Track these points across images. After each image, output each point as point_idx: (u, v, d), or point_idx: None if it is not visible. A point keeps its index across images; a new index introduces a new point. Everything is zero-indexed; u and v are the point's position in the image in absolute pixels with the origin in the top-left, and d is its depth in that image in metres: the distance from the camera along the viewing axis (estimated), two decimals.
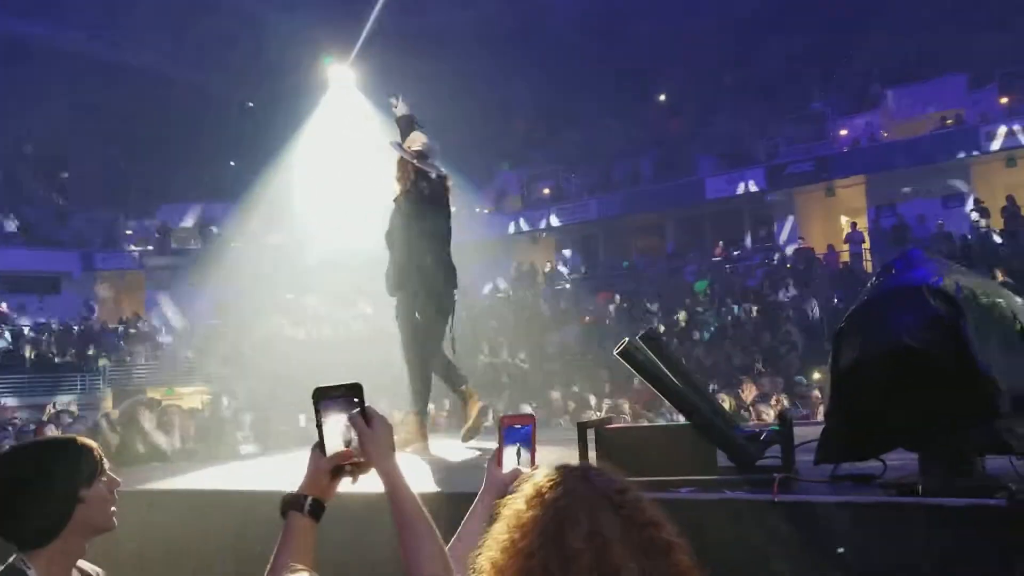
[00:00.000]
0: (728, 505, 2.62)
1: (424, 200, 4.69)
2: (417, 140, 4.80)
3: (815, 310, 16.44)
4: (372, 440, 1.63)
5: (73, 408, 17.11)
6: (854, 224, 20.80)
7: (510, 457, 1.96)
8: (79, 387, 22.96)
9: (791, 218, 22.78)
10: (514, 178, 27.34)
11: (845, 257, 19.77)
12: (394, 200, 4.79)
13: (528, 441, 1.99)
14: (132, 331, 25.70)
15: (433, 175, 4.74)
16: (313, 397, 1.68)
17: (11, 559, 1.98)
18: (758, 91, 24.30)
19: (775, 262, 20.28)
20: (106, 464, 2.08)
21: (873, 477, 2.61)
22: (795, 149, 22.13)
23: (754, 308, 17.11)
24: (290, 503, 1.66)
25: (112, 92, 27.20)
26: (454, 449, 4.91)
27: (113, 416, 10.92)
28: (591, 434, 3.07)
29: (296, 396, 16.72)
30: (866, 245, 19.98)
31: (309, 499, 1.65)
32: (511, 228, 25.83)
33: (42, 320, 26.31)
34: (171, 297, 27.86)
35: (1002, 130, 19.28)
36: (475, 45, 25.06)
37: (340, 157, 22.35)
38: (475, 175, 26.70)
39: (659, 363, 2.90)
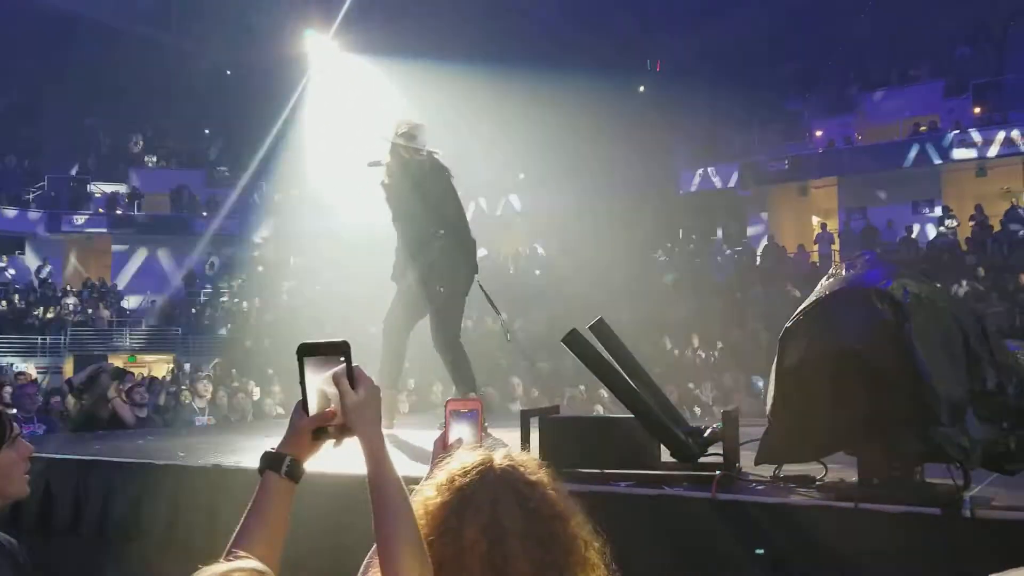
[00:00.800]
0: (666, 501, 2.59)
1: (422, 178, 4.55)
2: (402, 124, 4.66)
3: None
4: (355, 402, 1.46)
5: (31, 370, 16.87)
6: (824, 225, 20.96)
7: (456, 441, 1.93)
8: (40, 350, 22.66)
9: (764, 216, 22.89)
10: (487, 163, 27.16)
11: (815, 257, 19.91)
12: (385, 185, 4.65)
13: (474, 426, 1.96)
14: (96, 295, 25.38)
15: (424, 152, 4.59)
16: (297, 353, 1.56)
17: None
18: (736, 87, 24.33)
19: (745, 259, 20.37)
20: (16, 430, 2.01)
21: (813, 479, 2.59)
22: (771, 147, 22.21)
23: (720, 304, 17.18)
24: (267, 462, 1.52)
25: (87, 51, 26.72)
26: (409, 434, 4.85)
27: (76, 382, 10.78)
28: (534, 422, 3.02)
29: (254, 366, 16.66)
30: (835, 247, 20.13)
31: (288, 458, 1.50)
32: (485, 211, 25.70)
33: (4, 280, 25.90)
34: (138, 263, 27.54)
35: (976, 138, 19.46)
36: (454, 22, 24.84)
37: (324, 127, 22.14)
38: (450, 159, 26.56)
39: (605, 353, 2.86)
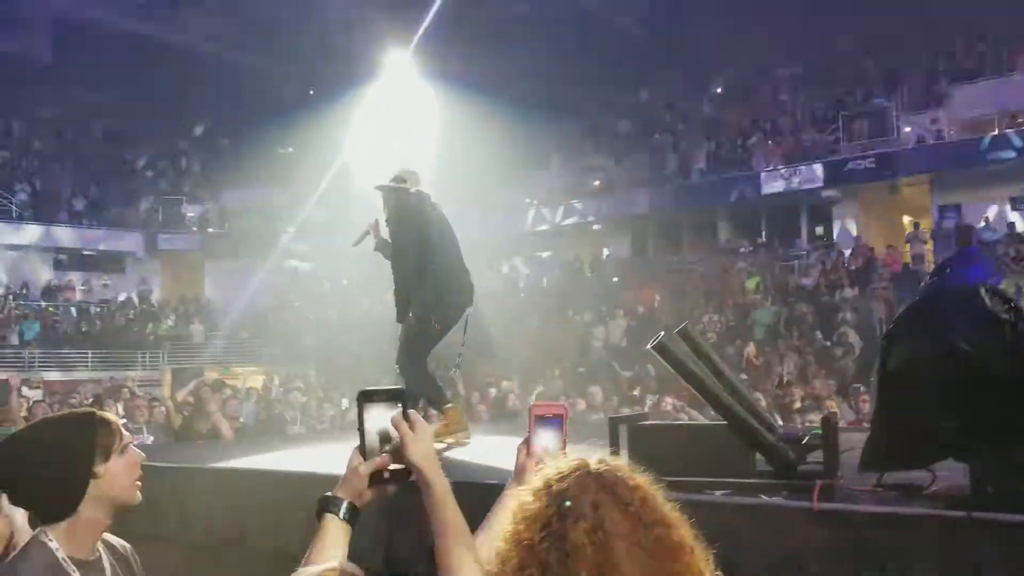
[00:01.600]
0: (764, 511, 2.51)
1: (409, 216, 4.75)
2: (398, 171, 4.91)
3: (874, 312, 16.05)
4: (414, 442, 1.64)
5: (132, 384, 17.54)
6: (916, 224, 20.23)
7: (538, 447, 1.93)
8: (140, 364, 23.59)
9: (851, 216, 22.22)
10: (564, 170, 27.18)
11: (907, 258, 19.24)
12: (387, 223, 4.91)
13: (558, 432, 1.94)
14: (191, 310, 26.31)
15: (412, 190, 4.79)
16: (357, 400, 1.72)
17: (36, 531, 2.01)
18: (819, 84, 23.75)
19: (832, 261, 19.81)
20: (127, 437, 2.08)
21: (921, 488, 2.48)
22: (857, 145, 21.56)
23: (808, 308, 16.73)
24: (325, 506, 1.70)
25: (175, 76, 27.74)
26: (486, 440, 4.87)
27: (178, 396, 11.19)
28: (624, 430, 2.98)
29: (339, 378, 16.97)
30: (929, 246, 19.42)
31: (344, 504, 1.70)
32: (559, 220, 25.68)
33: (107, 297, 27.08)
34: (229, 279, 28.41)
35: None
36: (531, 36, 24.95)
37: (394, 143, 22.53)
38: (525, 167, 26.70)
39: (694, 360, 2.80)
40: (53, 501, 1.98)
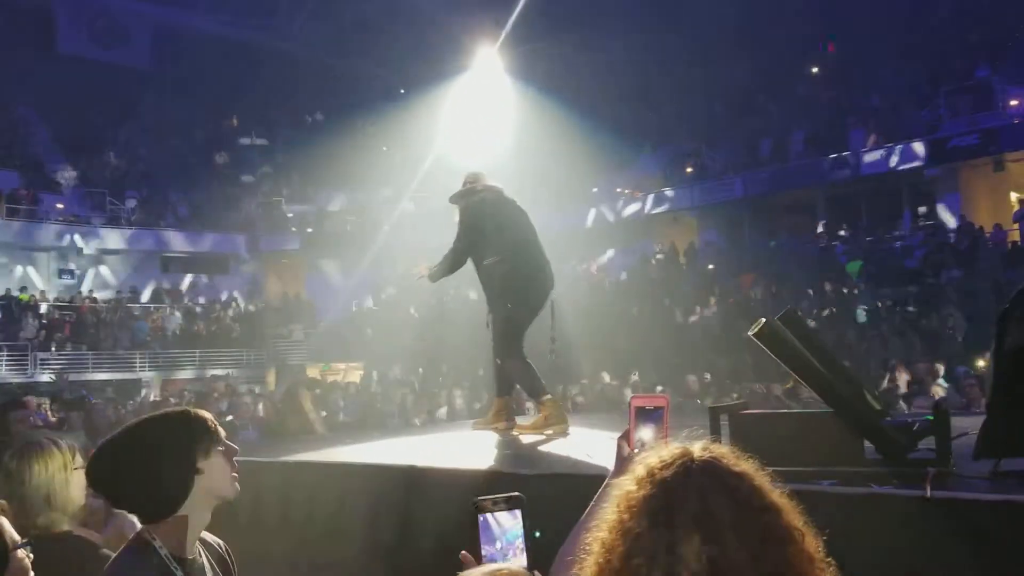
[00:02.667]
0: (875, 500, 2.44)
1: (479, 214, 4.93)
2: (466, 176, 5.17)
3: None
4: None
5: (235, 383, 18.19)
6: (1022, 201, 19.23)
7: (639, 439, 1.92)
8: (245, 362, 24.44)
9: (955, 195, 21.27)
10: (656, 157, 26.86)
11: (1014, 236, 18.32)
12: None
13: (659, 423, 1.94)
14: (293, 309, 27.12)
15: (479, 188, 5.01)
16: (473, 509, 1.65)
17: (139, 530, 2.04)
18: (919, 58, 22.77)
19: (936, 241, 19.03)
20: (222, 433, 2.10)
21: None
22: (959, 121, 20.57)
23: (913, 290, 16.12)
24: None
25: (271, 79, 28.60)
26: (584, 432, 4.87)
27: (275, 396, 11.59)
28: (724, 419, 2.95)
29: (439, 372, 17.20)
30: None
31: None
32: (652, 208, 25.40)
33: (212, 298, 28.18)
34: (328, 278, 29.17)
35: None
36: (620, 23, 24.72)
37: (482, 140, 22.67)
38: (618, 157, 26.48)
39: (799, 345, 2.74)
40: (158, 501, 1.99)
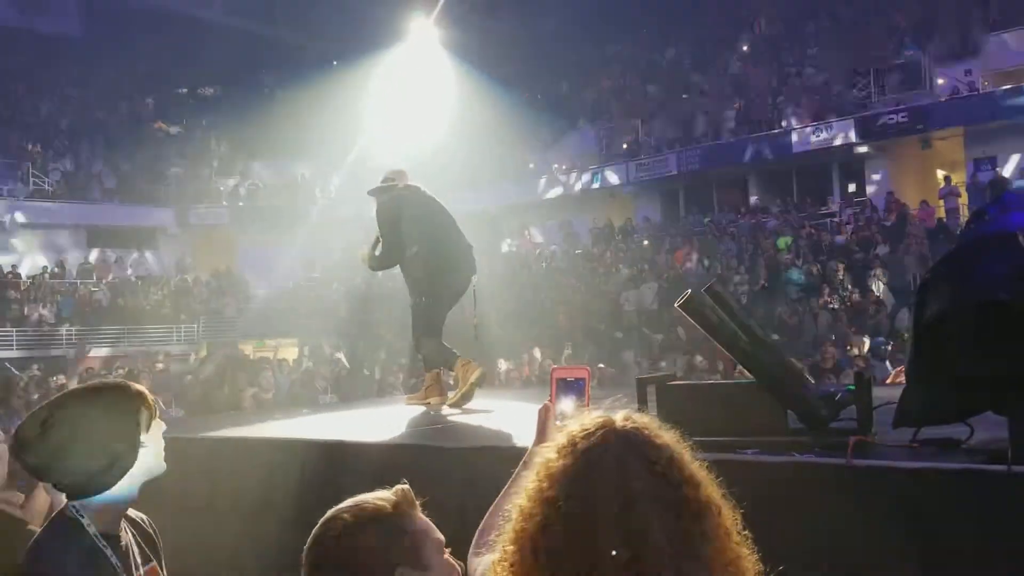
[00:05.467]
0: (797, 468, 2.46)
1: (396, 209, 5.17)
2: (385, 174, 5.42)
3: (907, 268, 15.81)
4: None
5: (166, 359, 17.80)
6: (949, 178, 19.81)
7: (561, 410, 1.89)
8: (175, 339, 23.88)
9: (883, 172, 21.80)
10: (591, 134, 26.91)
11: (941, 213, 18.87)
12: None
13: (581, 395, 1.91)
14: (224, 284, 26.55)
15: (395, 185, 5.27)
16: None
17: (65, 506, 1.94)
18: (848, 37, 23.19)
19: (865, 218, 19.49)
20: (157, 409, 2.05)
21: (958, 442, 2.42)
22: (888, 99, 21.06)
23: (840, 266, 16.50)
24: None
25: (201, 50, 27.80)
26: (514, 406, 4.88)
27: (203, 371, 11.35)
28: (652, 390, 2.94)
29: (370, 349, 17.06)
30: (963, 200, 19.02)
31: None
32: (588, 184, 25.47)
33: (141, 273, 27.41)
34: (260, 252, 28.61)
35: None
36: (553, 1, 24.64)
37: (417, 114, 22.43)
38: (554, 132, 26.48)
39: (724, 317, 2.74)
40: (96, 476, 1.90)
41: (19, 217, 25.81)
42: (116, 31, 28.29)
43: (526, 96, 21.67)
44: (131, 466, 1.93)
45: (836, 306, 15.18)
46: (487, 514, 1.89)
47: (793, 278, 17.16)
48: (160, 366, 14.41)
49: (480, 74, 22.17)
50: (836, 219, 20.72)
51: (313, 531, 1.45)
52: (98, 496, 1.90)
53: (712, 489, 1.30)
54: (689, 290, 2.76)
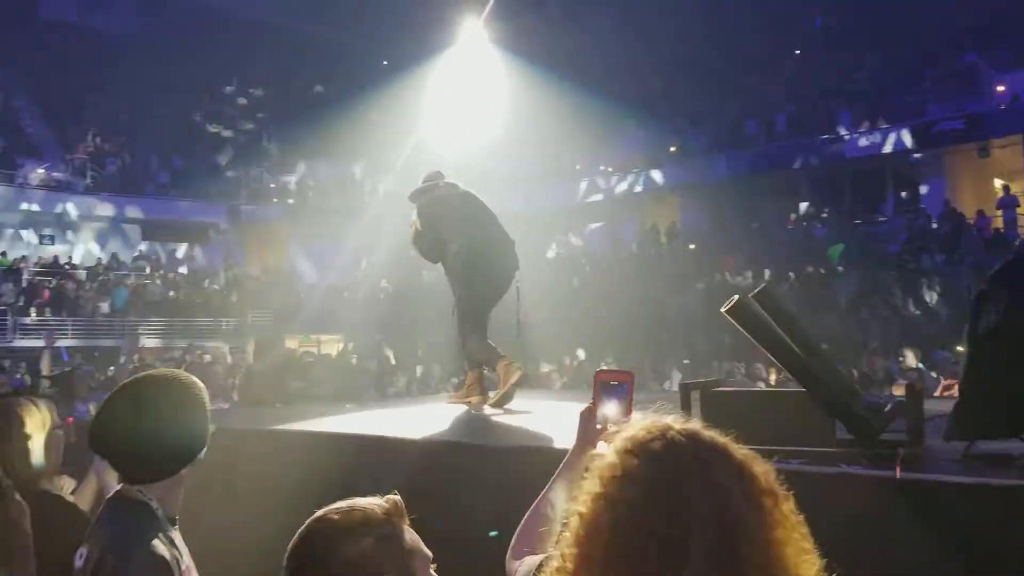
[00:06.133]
0: (844, 480, 2.41)
1: (435, 210, 5.21)
2: (423, 178, 5.45)
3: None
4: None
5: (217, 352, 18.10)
6: (1007, 188, 19.31)
7: (603, 414, 1.89)
8: (224, 331, 24.29)
9: (939, 180, 21.33)
10: (640, 135, 26.75)
11: (998, 223, 18.41)
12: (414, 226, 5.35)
13: (624, 398, 1.90)
14: (273, 280, 26.95)
15: (434, 185, 5.32)
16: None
17: (122, 489, 1.98)
18: (906, 42, 22.74)
19: (919, 227, 19.10)
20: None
21: (1012, 458, 2.35)
22: (945, 106, 20.61)
23: (892, 275, 16.20)
24: None
25: (254, 49, 28.23)
26: (556, 406, 4.87)
27: (253, 364, 11.49)
28: (696, 396, 2.91)
29: (414, 346, 17.14)
30: (1021, 210, 18.55)
31: None
32: (634, 186, 25.32)
33: (192, 267, 27.94)
34: (310, 249, 28.97)
35: None
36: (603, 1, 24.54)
37: (467, 114, 22.50)
38: (601, 133, 26.37)
39: (772, 323, 2.70)
40: (169, 459, 1.97)
41: (76, 210, 26.48)
42: (172, 30, 28.84)
43: (575, 98, 21.58)
44: (200, 452, 2.01)
45: (887, 316, 14.90)
46: (526, 516, 1.89)
47: (843, 287, 16.88)
48: (208, 358, 14.64)
49: (529, 75, 22.16)
50: (889, 227, 20.33)
51: (299, 531, 1.42)
52: (164, 479, 1.96)
53: (790, 500, 1.27)
54: (736, 295, 2.72)
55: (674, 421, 1.32)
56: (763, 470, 1.27)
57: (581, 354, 14.27)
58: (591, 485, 1.30)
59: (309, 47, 29.32)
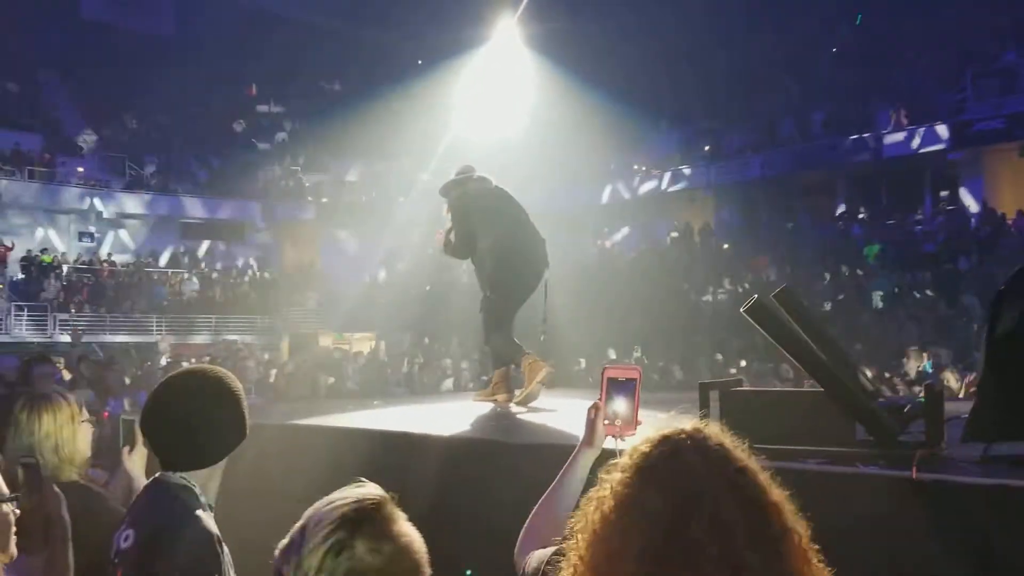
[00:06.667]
0: (860, 481, 2.41)
1: (467, 205, 5.13)
2: (457, 170, 5.40)
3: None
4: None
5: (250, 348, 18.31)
6: None
7: (611, 410, 1.91)
8: (259, 328, 24.59)
9: (978, 179, 20.97)
10: (673, 135, 26.61)
11: None
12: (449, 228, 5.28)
13: (632, 395, 1.92)
14: (307, 278, 27.23)
15: (466, 179, 5.25)
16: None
17: (162, 476, 2.05)
18: (945, 40, 22.38)
19: (956, 227, 18.80)
20: None
21: None
22: (985, 104, 20.24)
23: (928, 276, 15.97)
24: None
25: (290, 49, 28.49)
26: (576, 404, 4.88)
27: (286, 362, 11.67)
28: (715, 396, 2.92)
29: (445, 344, 17.21)
30: None
31: None
32: (668, 185, 25.20)
33: (228, 265, 28.30)
34: (344, 247, 29.20)
35: None
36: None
37: (500, 113, 22.53)
38: (635, 133, 26.24)
39: (792, 324, 2.70)
40: (214, 448, 2.08)
41: (115, 208, 26.94)
42: (208, 30, 29.21)
43: (608, 97, 21.54)
44: (238, 444, 2.11)
45: (922, 316, 14.70)
46: (532, 514, 1.91)
47: (879, 287, 16.68)
48: (243, 354, 14.83)
49: (563, 74, 22.15)
50: (927, 228, 20.04)
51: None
52: (206, 468, 2.07)
53: (790, 509, 1.27)
54: (756, 295, 2.73)
55: (692, 428, 1.32)
56: (774, 500, 1.25)
57: (612, 353, 14.25)
58: (602, 489, 1.30)
59: (345, 46, 29.54)
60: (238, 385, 2.16)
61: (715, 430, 1.33)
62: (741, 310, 2.71)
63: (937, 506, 2.25)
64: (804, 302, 2.94)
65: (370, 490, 1.39)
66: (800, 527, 1.26)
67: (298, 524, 1.38)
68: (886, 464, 2.46)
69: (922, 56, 22.66)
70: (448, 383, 11.24)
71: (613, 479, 1.30)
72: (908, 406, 2.69)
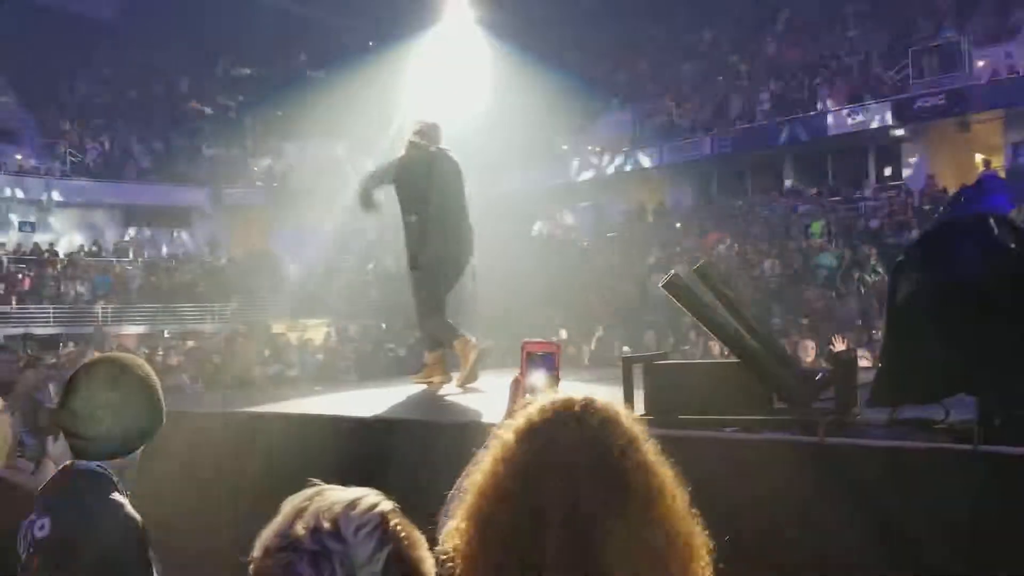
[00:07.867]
0: (771, 446, 2.48)
1: (413, 169, 4.95)
2: (417, 123, 5.15)
3: None
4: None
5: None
6: (988, 162, 19.39)
7: (530, 383, 1.92)
8: (209, 318, 24.21)
9: (921, 156, 21.41)
10: (624, 116, 26.71)
11: None
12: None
13: (552, 368, 1.94)
14: (258, 264, 26.85)
15: (432, 148, 4.99)
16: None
17: (75, 463, 2.01)
18: (886, 19, 22.74)
19: (900, 202, 19.19)
20: None
21: (934, 422, 2.41)
22: (926, 81, 20.65)
23: (873, 250, 16.29)
24: None
25: (237, 30, 28.01)
26: (498, 383, 4.90)
27: (216, 343, 11.52)
28: (638, 369, 2.96)
29: (400, 328, 17.16)
30: None
31: None
32: (620, 166, 25.32)
33: (175, 252, 27.80)
34: (294, 232, 28.83)
35: None
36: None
37: (452, 94, 22.40)
38: (587, 113, 26.31)
39: (709, 297, 2.76)
40: (133, 435, 2.04)
41: (56, 196, 26.26)
42: (151, 11, 28.56)
43: (560, 78, 21.54)
44: (154, 433, 2.08)
45: (866, 291, 15.01)
46: (455, 485, 1.93)
47: (824, 262, 16.99)
48: (191, 344, 14.65)
49: (515, 55, 22.09)
50: (871, 203, 20.42)
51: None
52: (122, 457, 2.03)
53: (665, 474, 1.28)
54: (673, 270, 2.77)
55: (582, 398, 1.33)
56: (646, 461, 1.27)
57: (564, 333, 14.33)
58: (485, 460, 1.32)
59: (294, 27, 29.11)
60: (151, 372, 2.13)
61: (604, 401, 1.34)
62: (659, 285, 2.76)
63: (843, 469, 2.33)
64: (721, 277, 2.99)
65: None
66: (675, 488, 1.28)
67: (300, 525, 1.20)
68: (798, 430, 2.53)
69: (863, 35, 23.02)
70: (399, 367, 11.22)
71: (498, 439, 1.33)
72: (820, 374, 2.76)
